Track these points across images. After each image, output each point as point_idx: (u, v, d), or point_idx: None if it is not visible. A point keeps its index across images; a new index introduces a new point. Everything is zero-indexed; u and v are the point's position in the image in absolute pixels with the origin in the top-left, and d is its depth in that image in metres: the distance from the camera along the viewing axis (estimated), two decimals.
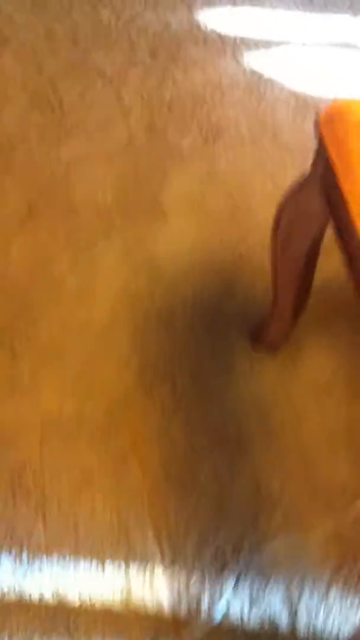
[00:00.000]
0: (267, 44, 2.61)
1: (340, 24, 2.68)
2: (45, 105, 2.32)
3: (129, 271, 2.02)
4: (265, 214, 2.09)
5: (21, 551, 1.53)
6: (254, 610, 1.51)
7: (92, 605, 1.50)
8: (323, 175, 1.41)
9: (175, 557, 1.54)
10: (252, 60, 2.54)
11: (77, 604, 1.50)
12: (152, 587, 1.53)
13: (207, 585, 1.53)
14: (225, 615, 1.50)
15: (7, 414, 1.73)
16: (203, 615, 1.50)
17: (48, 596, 1.51)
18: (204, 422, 1.78)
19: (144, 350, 1.88)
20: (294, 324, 1.83)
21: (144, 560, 1.56)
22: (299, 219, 1.55)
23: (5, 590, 1.51)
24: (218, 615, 1.49)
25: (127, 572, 1.54)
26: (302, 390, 1.83)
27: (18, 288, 1.96)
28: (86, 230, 2.07)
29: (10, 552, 1.52)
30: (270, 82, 2.49)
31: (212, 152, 2.30)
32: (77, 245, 2.04)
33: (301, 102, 2.45)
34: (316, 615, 1.52)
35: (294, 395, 1.82)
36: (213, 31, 2.61)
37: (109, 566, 1.55)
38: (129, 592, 1.52)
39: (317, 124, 1.39)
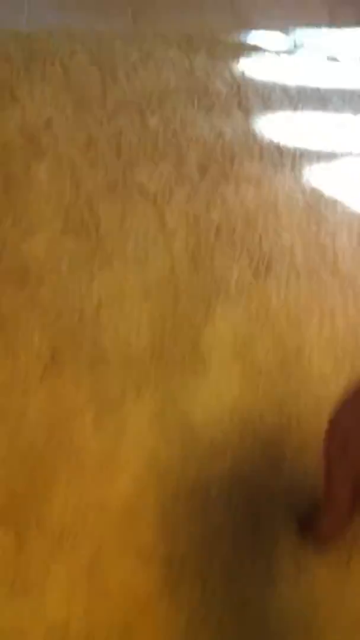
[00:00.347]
0: (330, 156, 2.33)
1: None
2: (80, 229, 2.09)
3: (159, 434, 1.75)
4: (321, 365, 1.82)
5: None
6: None
7: None
8: None
9: None
10: (313, 175, 2.27)
11: None
12: None
13: None
14: None
15: (5, 622, 1.46)
16: None
17: None
18: (238, 636, 1.49)
19: (170, 538, 1.61)
20: (351, 520, 1.53)
21: None
22: (357, 425, 1.27)
23: None
24: None
25: None
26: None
27: (32, 452, 1.71)
28: (114, 383, 1.81)
29: None
30: (332, 203, 2.21)
31: (262, 287, 2.02)
32: (103, 401, 1.78)
33: None
34: None
35: (350, 604, 1.52)
36: (270, 141, 2.35)
37: None
38: None
39: None
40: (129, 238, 2.10)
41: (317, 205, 2.21)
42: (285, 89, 2.53)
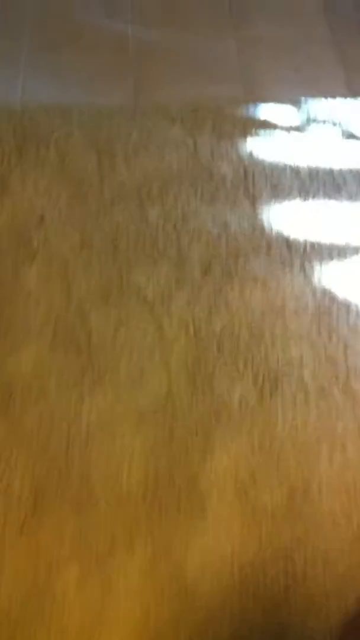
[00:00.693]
0: (344, 252, 2.15)
1: None
2: (70, 343, 1.92)
3: (150, 593, 1.58)
4: (331, 503, 1.64)
5: None
6: None
7: None
8: None
9: None
10: (325, 274, 2.08)
11: None
12: None
13: None
14: None
15: None
16: None
17: None
18: None
19: None
20: None
21: None
22: None
23: None
24: None
25: None
26: None
27: (7, 615, 1.55)
28: (102, 531, 1.64)
29: None
30: (345, 307, 2.03)
31: (268, 409, 1.84)
32: (88, 554, 1.62)
33: None
34: None
35: None
36: (279, 234, 2.17)
37: None
38: None
39: None
40: (123, 353, 1.93)
41: (329, 310, 2.03)
42: (295, 172, 2.35)
